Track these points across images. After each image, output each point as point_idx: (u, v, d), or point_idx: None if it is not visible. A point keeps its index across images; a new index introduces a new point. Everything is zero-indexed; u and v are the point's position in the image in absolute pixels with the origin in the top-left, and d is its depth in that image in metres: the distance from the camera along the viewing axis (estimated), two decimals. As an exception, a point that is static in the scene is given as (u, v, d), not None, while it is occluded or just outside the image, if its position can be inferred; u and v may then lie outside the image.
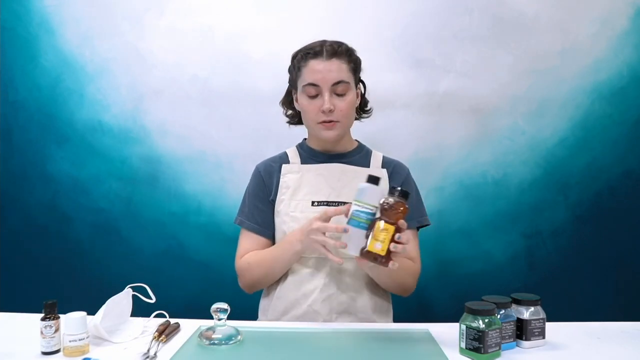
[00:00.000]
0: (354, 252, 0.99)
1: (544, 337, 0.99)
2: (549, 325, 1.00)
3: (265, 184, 1.28)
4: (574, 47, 1.77)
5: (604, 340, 1.04)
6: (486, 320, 0.91)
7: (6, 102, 1.84)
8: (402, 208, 0.97)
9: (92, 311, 1.01)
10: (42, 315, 0.95)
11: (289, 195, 1.24)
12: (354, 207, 0.99)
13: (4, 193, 1.86)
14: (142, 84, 1.82)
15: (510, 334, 0.96)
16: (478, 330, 0.91)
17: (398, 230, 0.96)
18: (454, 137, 1.79)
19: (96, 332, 1.00)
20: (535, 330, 0.98)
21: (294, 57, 1.25)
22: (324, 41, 1.21)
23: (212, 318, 1.00)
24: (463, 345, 0.94)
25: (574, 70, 1.78)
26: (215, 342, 0.98)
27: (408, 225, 1.21)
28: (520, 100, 1.78)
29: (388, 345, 1.00)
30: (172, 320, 1.10)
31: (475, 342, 0.91)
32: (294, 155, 1.30)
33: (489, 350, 0.91)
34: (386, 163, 1.30)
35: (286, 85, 1.34)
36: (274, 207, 1.26)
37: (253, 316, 1.31)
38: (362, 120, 1.37)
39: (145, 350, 0.95)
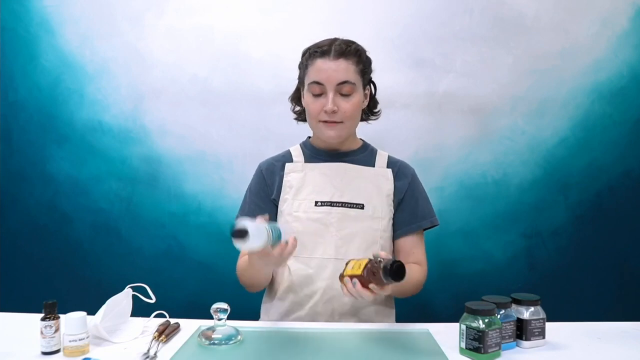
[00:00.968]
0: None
1: (544, 337, 0.99)
2: (549, 325, 1.00)
3: (266, 183, 1.27)
4: (574, 47, 1.77)
5: (604, 340, 1.04)
6: (486, 320, 0.91)
7: (6, 102, 1.84)
8: (383, 282, 0.91)
9: (92, 311, 1.01)
10: (42, 315, 0.95)
11: (292, 195, 1.22)
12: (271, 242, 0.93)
13: (4, 193, 1.86)
14: (142, 84, 1.82)
15: (510, 334, 0.96)
16: (478, 330, 0.91)
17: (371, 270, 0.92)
18: (454, 137, 1.79)
19: (96, 332, 1.00)
20: (535, 330, 0.98)
21: (304, 53, 1.23)
22: (335, 39, 1.19)
23: (212, 318, 1.00)
24: (463, 345, 0.94)
25: (574, 70, 1.78)
26: (215, 342, 0.98)
27: (417, 226, 1.24)
28: (520, 100, 1.78)
29: (388, 345, 1.00)
30: (172, 320, 1.10)
31: (475, 342, 0.91)
32: (297, 153, 1.29)
33: (489, 350, 0.91)
34: (391, 163, 1.28)
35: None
36: (276, 206, 1.26)
37: (253, 316, 1.31)
38: (372, 119, 1.34)
39: (145, 350, 0.95)
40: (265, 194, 1.26)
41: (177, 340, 1.02)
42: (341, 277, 0.99)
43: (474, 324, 0.91)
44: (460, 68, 1.78)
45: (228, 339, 0.99)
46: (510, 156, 1.79)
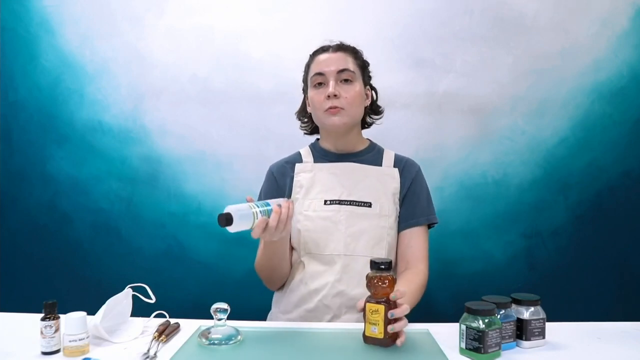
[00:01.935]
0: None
1: (544, 337, 0.99)
2: (549, 325, 1.00)
3: (278, 184, 1.30)
4: (574, 47, 1.77)
5: (604, 340, 1.04)
6: (486, 320, 0.91)
7: (6, 102, 1.84)
8: (387, 281, 0.94)
9: (92, 311, 1.01)
10: (42, 315, 0.95)
11: (303, 194, 1.26)
12: (260, 216, 0.99)
13: (4, 193, 1.86)
14: (142, 84, 1.82)
15: (510, 334, 0.96)
16: (478, 330, 0.91)
17: (391, 306, 0.94)
18: (454, 137, 1.79)
19: (96, 332, 1.00)
20: (535, 330, 0.98)
21: (307, 62, 1.31)
22: (332, 41, 1.29)
23: (212, 318, 1.00)
24: (463, 345, 0.94)
25: (574, 70, 1.78)
26: (215, 342, 0.98)
27: (415, 222, 1.26)
28: (520, 100, 1.78)
29: (388, 345, 1.00)
30: (172, 320, 1.10)
31: (475, 342, 0.91)
32: (306, 154, 1.33)
33: (489, 350, 0.91)
34: (397, 161, 1.31)
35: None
36: None
37: (254, 316, 1.30)
38: (376, 122, 1.38)
39: (145, 350, 0.95)
40: (277, 195, 1.28)
41: (177, 340, 1.02)
42: (365, 337, 0.98)
43: (474, 324, 0.91)
44: (460, 68, 1.78)
45: (228, 339, 0.98)
46: (510, 156, 1.79)
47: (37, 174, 1.84)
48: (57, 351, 0.95)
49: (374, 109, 1.35)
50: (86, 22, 1.82)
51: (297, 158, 1.33)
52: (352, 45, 1.29)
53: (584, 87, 1.78)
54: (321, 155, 1.31)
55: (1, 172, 1.85)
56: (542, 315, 0.99)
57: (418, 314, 1.42)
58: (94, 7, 1.82)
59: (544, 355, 0.95)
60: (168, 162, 1.82)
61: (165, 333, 1.02)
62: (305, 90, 1.33)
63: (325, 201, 1.24)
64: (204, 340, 0.98)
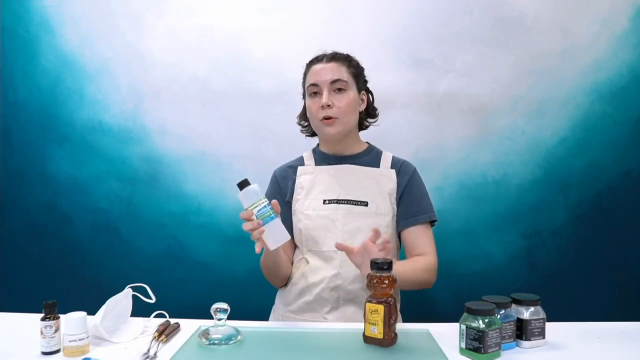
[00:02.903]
0: (274, 244, 1.08)
1: (544, 337, 0.99)
2: (549, 325, 1.00)
3: (280, 188, 1.37)
4: (574, 47, 1.77)
5: (604, 340, 1.04)
6: (486, 320, 0.91)
7: (6, 102, 1.84)
8: (387, 281, 0.95)
9: (92, 311, 1.01)
10: (42, 315, 0.95)
11: (304, 195, 1.33)
12: (254, 211, 1.06)
13: (4, 193, 1.86)
14: (142, 84, 1.82)
15: (510, 334, 0.96)
16: (478, 330, 0.91)
17: (391, 307, 0.95)
18: (454, 137, 1.79)
19: (96, 332, 1.00)
20: (535, 330, 0.98)
21: (304, 71, 1.36)
22: (326, 51, 1.34)
23: (212, 318, 1.00)
24: (463, 345, 0.94)
25: (574, 70, 1.78)
26: (215, 342, 0.98)
27: (417, 220, 1.30)
28: (520, 100, 1.78)
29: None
30: (172, 320, 1.10)
31: (475, 342, 0.91)
32: (308, 158, 1.40)
33: (489, 350, 0.91)
34: (394, 163, 1.36)
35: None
36: (291, 208, 1.35)
37: (254, 316, 1.31)
38: (373, 125, 1.41)
39: (145, 350, 0.95)
40: (280, 197, 1.35)
41: (177, 340, 1.02)
42: (365, 337, 0.99)
43: (474, 324, 0.91)
44: (460, 68, 1.78)
45: (228, 339, 0.99)
46: (510, 156, 1.79)
47: (37, 174, 1.84)
48: (57, 351, 0.95)
49: (369, 113, 1.40)
50: (86, 22, 1.82)
51: (300, 161, 1.40)
52: (345, 53, 1.33)
53: (583, 87, 1.78)
54: (321, 158, 1.38)
55: (1, 172, 1.85)
56: (542, 315, 0.99)
57: (418, 314, 1.41)
58: (94, 7, 1.82)
59: (544, 355, 0.95)
60: (168, 162, 1.82)
61: (165, 333, 1.02)
62: (304, 93, 1.38)
63: (324, 201, 1.30)
64: (204, 340, 0.98)
